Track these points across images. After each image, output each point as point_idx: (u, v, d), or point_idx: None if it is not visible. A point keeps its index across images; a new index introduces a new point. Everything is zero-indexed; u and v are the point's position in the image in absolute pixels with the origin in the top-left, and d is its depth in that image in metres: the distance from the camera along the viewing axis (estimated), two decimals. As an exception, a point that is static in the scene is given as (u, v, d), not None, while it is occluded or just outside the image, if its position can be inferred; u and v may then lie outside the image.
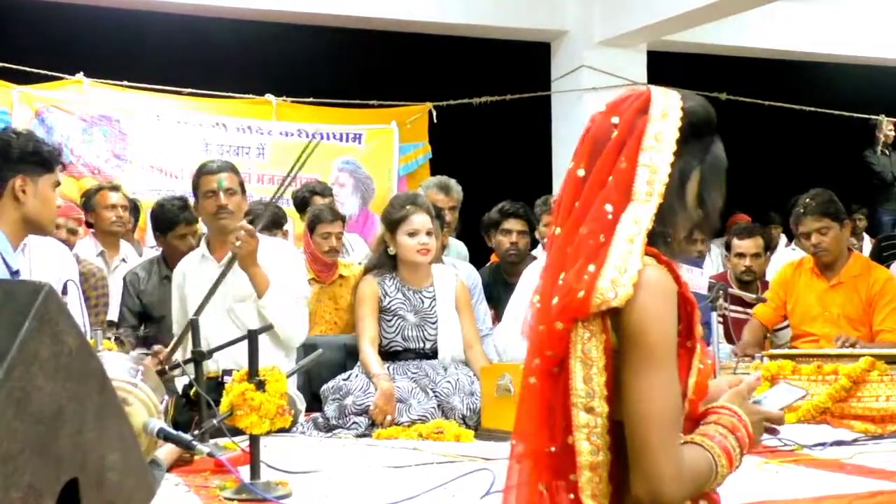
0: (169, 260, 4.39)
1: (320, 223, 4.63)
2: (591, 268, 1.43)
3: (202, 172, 3.77)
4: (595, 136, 1.56)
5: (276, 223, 5.02)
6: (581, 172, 1.54)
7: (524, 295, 4.10)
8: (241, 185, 3.81)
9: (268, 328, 3.09)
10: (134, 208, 5.48)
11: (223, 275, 3.55)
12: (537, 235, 5.40)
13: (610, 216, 1.47)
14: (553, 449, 1.44)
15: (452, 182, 5.37)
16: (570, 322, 1.43)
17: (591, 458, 1.42)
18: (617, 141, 1.52)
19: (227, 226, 3.69)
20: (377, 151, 6.89)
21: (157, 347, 3.57)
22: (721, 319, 4.49)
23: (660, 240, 1.51)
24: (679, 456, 1.38)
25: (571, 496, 1.43)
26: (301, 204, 5.39)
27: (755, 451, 1.55)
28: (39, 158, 2.82)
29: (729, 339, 4.68)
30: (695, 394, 1.46)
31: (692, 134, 1.55)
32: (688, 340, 1.47)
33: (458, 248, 5.61)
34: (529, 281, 4.15)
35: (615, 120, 1.54)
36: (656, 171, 1.49)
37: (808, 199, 4.45)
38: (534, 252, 5.40)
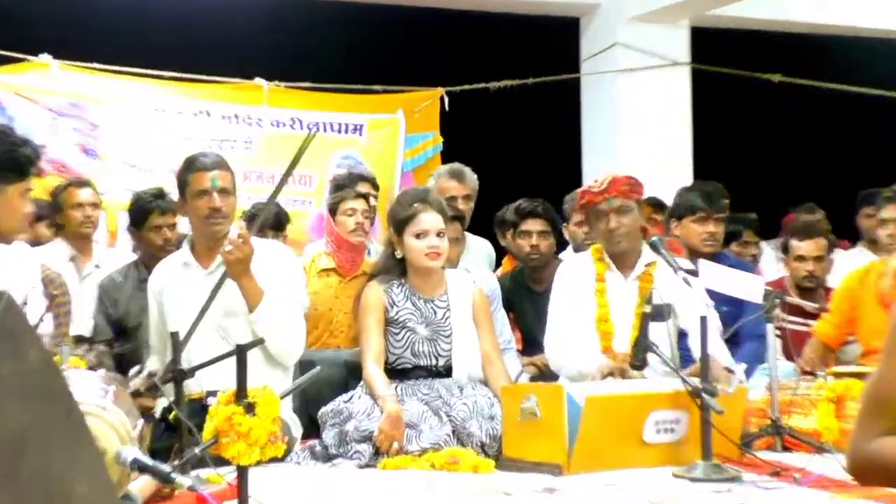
0: (147, 260, 4.41)
1: (343, 201, 4.72)
2: None
3: (193, 168, 3.74)
4: None
5: (277, 225, 5.04)
6: None
7: (565, 301, 4.08)
8: (234, 184, 3.81)
9: (258, 343, 3.08)
10: None
11: (218, 287, 3.54)
12: (566, 235, 5.39)
13: None
14: None
15: (467, 169, 5.40)
16: None
17: None
18: None
19: (219, 231, 3.68)
20: (380, 144, 6.89)
21: (153, 369, 3.58)
22: (778, 332, 4.46)
23: None
24: (863, 438, 1.59)
25: None
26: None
27: None
28: (9, 165, 2.82)
29: (787, 356, 4.64)
30: None
31: None
32: None
33: (480, 248, 5.60)
34: (566, 285, 4.12)
35: None
36: None
37: None
38: (562, 254, 5.38)
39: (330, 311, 4.63)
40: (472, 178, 5.40)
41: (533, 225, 5.05)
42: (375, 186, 5.34)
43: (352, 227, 4.73)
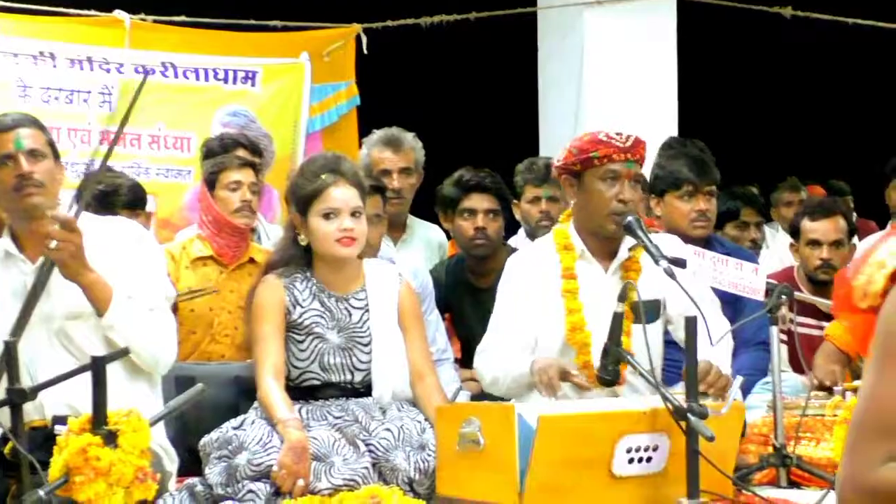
0: None
1: (224, 171, 4.75)
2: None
3: None
4: None
5: (134, 202, 5.03)
6: None
7: (514, 300, 4.11)
8: (52, 146, 3.82)
9: (121, 354, 3.09)
10: None
11: (43, 282, 3.53)
12: (517, 215, 5.44)
13: None
14: None
15: (407, 135, 5.45)
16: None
17: None
18: None
19: (37, 205, 3.69)
20: (279, 96, 6.88)
21: None
22: (785, 338, 4.57)
23: None
24: (866, 465, 1.72)
25: None
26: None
27: None
28: None
29: (796, 366, 4.75)
30: None
31: None
32: None
33: (428, 235, 5.64)
34: (518, 283, 4.15)
35: None
36: None
37: None
38: (513, 240, 5.44)
39: (210, 311, 4.65)
40: (411, 145, 5.47)
41: (479, 202, 5.09)
42: (257, 153, 5.35)
43: (236, 206, 4.74)
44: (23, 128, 3.74)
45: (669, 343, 4.15)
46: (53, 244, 3.48)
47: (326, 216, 3.87)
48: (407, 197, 5.46)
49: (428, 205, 5.63)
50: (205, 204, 4.83)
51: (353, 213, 3.89)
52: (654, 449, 3.44)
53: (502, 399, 4.06)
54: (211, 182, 4.82)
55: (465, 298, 5.10)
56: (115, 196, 4.93)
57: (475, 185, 5.12)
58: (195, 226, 5.06)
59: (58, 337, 3.68)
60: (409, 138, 5.48)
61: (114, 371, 3.36)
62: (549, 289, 4.05)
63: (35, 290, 3.52)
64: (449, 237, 5.68)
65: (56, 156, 3.81)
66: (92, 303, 3.61)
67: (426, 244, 5.59)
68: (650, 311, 3.87)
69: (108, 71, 6.55)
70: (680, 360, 4.04)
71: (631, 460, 3.41)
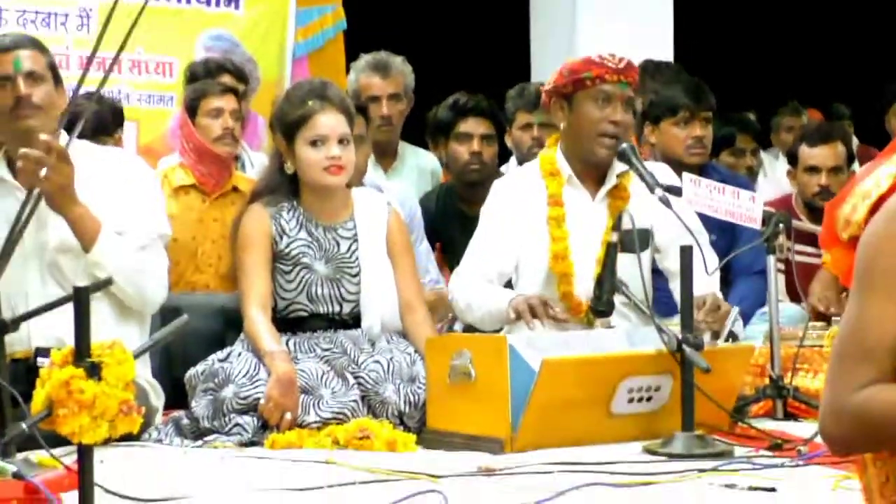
0: None
1: (205, 97, 4.73)
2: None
3: None
4: None
5: (100, 127, 4.99)
6: None
7: (498, 224, 4.11)
8: (54, 68, 3.79)
9: (104, 284, 3.09)
10: None
11: (32, 210, 3.51)
12: (508, 142, 5.44)
13: None
14: None
15: (396, 59, 5.41)
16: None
17: None
18: None
19: (33, 128, 3.67)
20: (263, 20, 6.83)
21: None
22: (782, 267, 4.58)
23: None
24: (845, 391, 1.76)
25: None
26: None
27: None
28: None
29: (793, 295, 4.77)
30: None
31: None
32: None
33: (420, 160, 5.61)
34: (503, 204, 4.15)
35: None
36: None
37: None
38: (504, 168, 5.43)
39: (193, 240, 4.65)
40: (400, 70, 5.42)
41: (475, 126, 5.09)
42: (243, 79, 5.32)
43: (217, 133, 4.72)
44: (23, 49, 3.72)
45: (655, 272, 4.17)
46: (44, 172, 3.46)
47: (313, 143, 3.86)
48: (396, 124, 5.44)
49: (418, 131, 5.61)
50: (186, 131, 4.81)
51: (341, 141, 3.88)
52: (657, 389, 3.46)
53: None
54: (192, 109, 4.80)
55: (455, 227, 5.09)
56: (75, 125, 4.87)
57: (471, 109, 5.10)
58: (177, 153, 5.05)
59: (49, 270, 3.68)
60: (398, 62, 5.44)
61: (103, 312, 3.39)
62: (534, 215, 4.06)
63: (20, 218, 3.50)
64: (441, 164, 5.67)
65: (57, 79, 3.79)
66: (78, 238, 3.60)
67: (419, 171, 5.57)
68: (639, 239, 3.89)
69: (85, -7, 6.50)
70: (666, 290, 4.07)
71: (631, 400, 3.44)
